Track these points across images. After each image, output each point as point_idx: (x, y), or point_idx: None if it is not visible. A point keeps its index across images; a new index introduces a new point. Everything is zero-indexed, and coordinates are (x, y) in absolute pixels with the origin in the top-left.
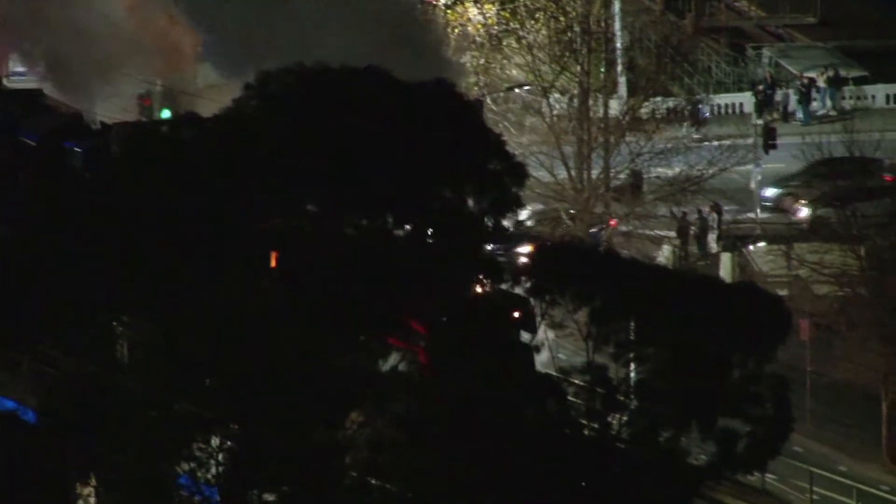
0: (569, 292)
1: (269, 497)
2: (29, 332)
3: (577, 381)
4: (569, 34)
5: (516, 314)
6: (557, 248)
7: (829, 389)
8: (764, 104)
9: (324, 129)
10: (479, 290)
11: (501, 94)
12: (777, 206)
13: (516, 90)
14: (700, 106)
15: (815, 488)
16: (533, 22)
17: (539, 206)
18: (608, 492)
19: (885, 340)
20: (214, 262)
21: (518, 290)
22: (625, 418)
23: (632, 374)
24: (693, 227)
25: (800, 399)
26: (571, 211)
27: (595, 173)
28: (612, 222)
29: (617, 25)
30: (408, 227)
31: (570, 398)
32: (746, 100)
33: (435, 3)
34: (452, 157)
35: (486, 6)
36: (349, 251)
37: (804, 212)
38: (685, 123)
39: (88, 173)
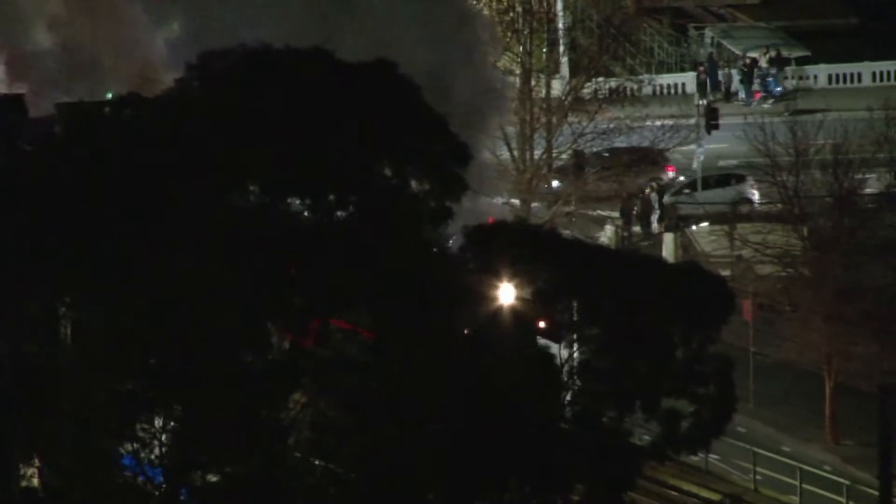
0: (512, 272)
1: (212, 478)
2: None
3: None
4: (511, 14)
5: (542, 323)
6: (501, 228)
7: (772, 369)
8: (708, 84)
9: (266, 109)
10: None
11: None
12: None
13: None
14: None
15: (758, 468)
16: (475, 2)
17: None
18: (552, 472)
19: (827, 320)
20: (158, 243)
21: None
22: (568, 398)
23: (575, 355)
24: (636, 208)
25: (743, 379)
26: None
27: (537, 153)
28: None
29: (559, 6)
30: (350, 208)
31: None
32: (689, 80)
33: None
34: (395, 138)
35: None
36: (292, 231)
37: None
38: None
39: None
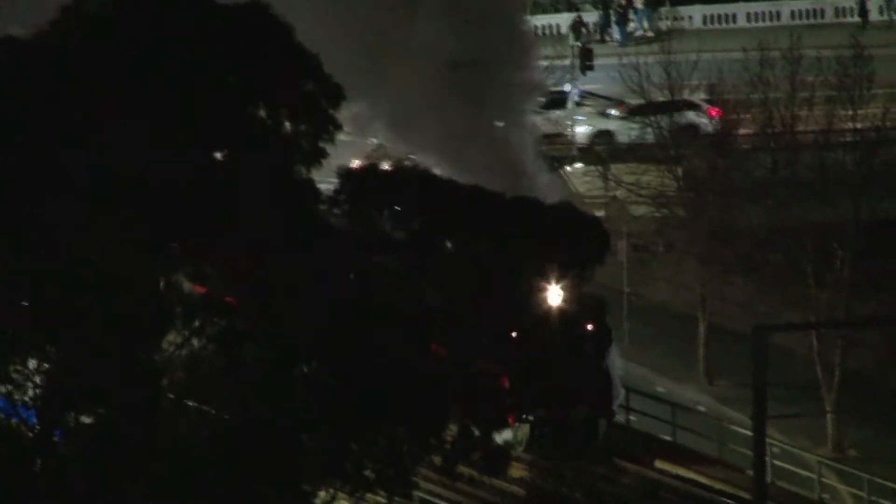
0: (387, 213)
1: (86, 419)
2: None
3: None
4: None
5: (589, 326)
6: (375, 169)
7: (646, 310)
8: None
9: (138, 52)
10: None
11: None
12: None
13: None
14: None
15: (632, 408)
16: None
17: None
18: (424, 413)
19: (701, 261)
20: (26, 184)
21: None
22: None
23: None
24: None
25: (617, 319)
26: None
27: None
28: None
29: None
30: (225, 150)
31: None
32: (564, 21)
33: None
34: (268, 78)
35: None
36: (165, 173)
37: None
38: None
39: None
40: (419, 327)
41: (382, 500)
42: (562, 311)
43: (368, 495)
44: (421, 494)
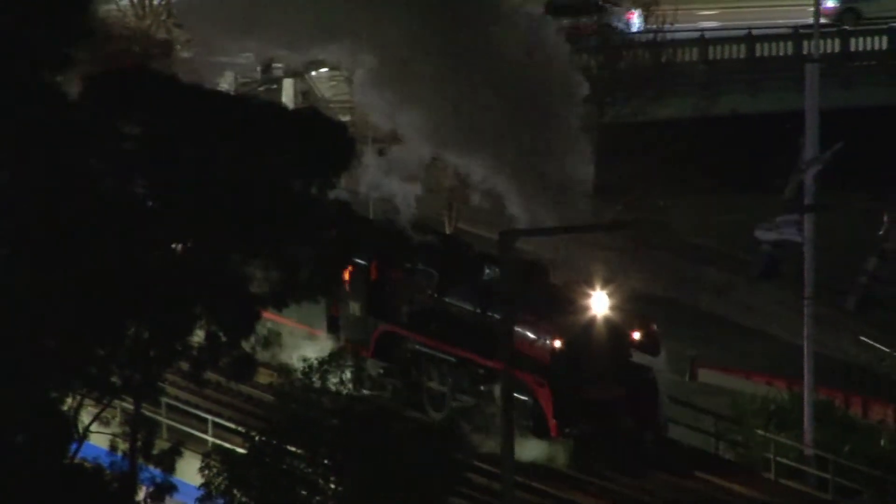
0: (133, 118)
1: None
2: None
3: None
4: None
5: (636, 335)
6: (120, 72)
7: None
8: None
9: None
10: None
11: None
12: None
13: None
14: None
15: None
16: None
17: None
18: (170, 316)
19: (447, 165)
20: None
21: None
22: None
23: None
24: None
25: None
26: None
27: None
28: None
29: None
30: None
31: None
32: None
33: None
34: None
35: None
36: None
37: None
38: None
39: None
40: (159, 227)
41: (129, 407)
42: (607, 319)
43: (116, 402)
44: (168, 401)
